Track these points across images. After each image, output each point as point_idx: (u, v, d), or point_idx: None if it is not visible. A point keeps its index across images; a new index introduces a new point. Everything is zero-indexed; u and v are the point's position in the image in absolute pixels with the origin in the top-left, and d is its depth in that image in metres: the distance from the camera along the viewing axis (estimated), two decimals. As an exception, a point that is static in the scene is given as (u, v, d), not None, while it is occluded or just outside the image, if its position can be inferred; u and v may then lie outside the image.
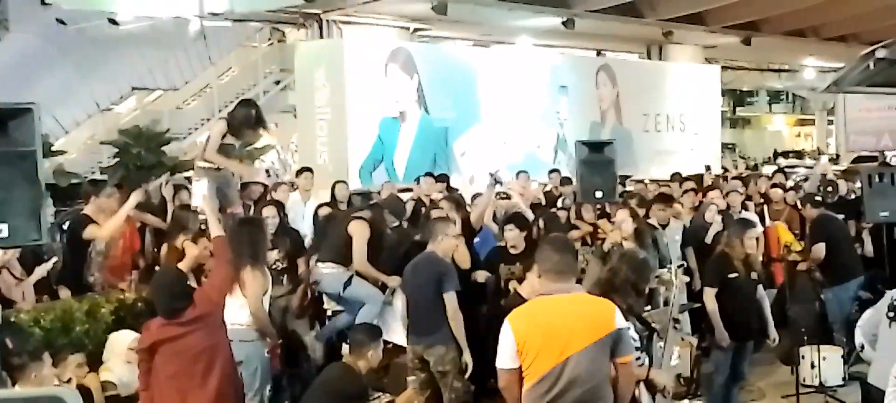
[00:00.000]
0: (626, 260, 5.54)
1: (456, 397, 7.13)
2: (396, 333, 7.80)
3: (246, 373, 6.60)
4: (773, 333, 8.25)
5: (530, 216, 9.30)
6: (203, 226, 7.48)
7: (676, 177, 14.85)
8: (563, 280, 4.82)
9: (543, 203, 12.02)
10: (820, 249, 9.93)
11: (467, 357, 7.11)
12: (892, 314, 6.29)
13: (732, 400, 8.27)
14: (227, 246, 6.49)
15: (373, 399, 7.12)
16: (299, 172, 11.51)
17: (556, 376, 4.73)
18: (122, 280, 8.31)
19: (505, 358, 4.78)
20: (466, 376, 7.19)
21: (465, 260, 8.08)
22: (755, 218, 11.79)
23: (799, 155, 38.20)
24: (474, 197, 11.14)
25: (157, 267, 7.89)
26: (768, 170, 20.63)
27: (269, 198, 10.18)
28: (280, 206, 9.29)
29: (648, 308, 6.69)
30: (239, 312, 6.65)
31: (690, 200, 11.71)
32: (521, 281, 8.24)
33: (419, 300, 7.24)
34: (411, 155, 17.12)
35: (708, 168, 18.06)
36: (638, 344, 5.33)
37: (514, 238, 8.59)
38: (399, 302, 7.88)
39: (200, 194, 6.68)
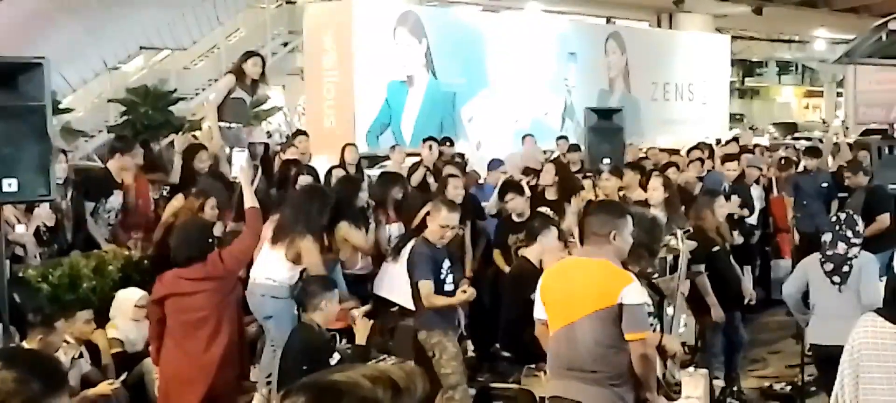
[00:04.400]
0: (636, 221, 5.42)
1: (446, 383, 6.89)
2: (403, 295, 7.72)
3: (275, 329, 6.62)
4: (749, 292, 8.31)
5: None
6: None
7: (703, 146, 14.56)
8: (591, 243, 4.86)
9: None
10: (885, 219, 9.87)
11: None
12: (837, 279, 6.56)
13: (735, 368, 8.30)
14: (260, 219, 6.50)
15: (378, 359, 7.11)
16: (295, 135, 11.43)
17: (564, 338, 4.80)
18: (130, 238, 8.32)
19: (537, 309, 5.09)
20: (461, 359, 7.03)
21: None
22: (761, 191, 11.83)
23: (793, 127, 37.96)
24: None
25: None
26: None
27: (282, 159, 10.10)
28: (314, 171, 9.18)
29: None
30: (275, 267, 6.64)
31: (696, 169, 11.70)
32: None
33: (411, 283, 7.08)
34: (418, 119, 17.07)
35: (718, 141, 17.92)
36: (651, 310, 5.32)
37: (517, 205, 8.60)
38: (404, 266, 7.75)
39: (238, 165, 6.66)
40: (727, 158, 11.97)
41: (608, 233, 4.81)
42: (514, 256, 8.42)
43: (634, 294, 4.71)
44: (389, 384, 1.85)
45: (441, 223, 6.90)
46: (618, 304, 4.67)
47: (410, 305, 7.49)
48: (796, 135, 28.01)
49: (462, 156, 13.16)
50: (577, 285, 4.85)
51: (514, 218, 8.75)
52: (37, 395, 2.18)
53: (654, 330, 5.37)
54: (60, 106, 14.14)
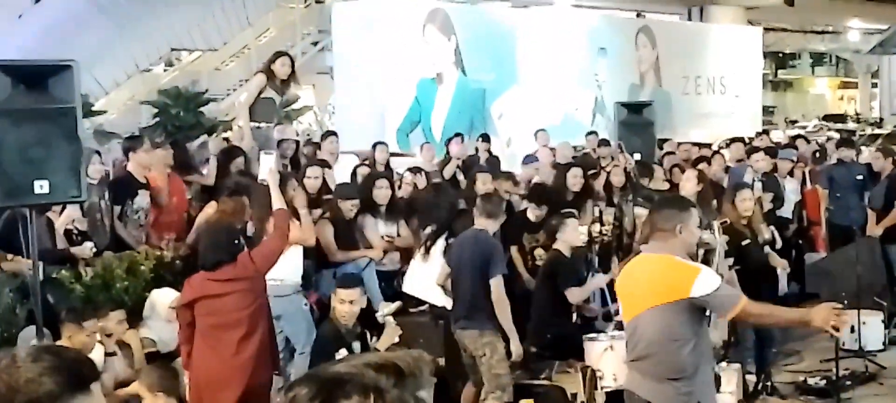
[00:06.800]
0: None
1: (497, 383, 6.85)
2: (432, 292, 7.69)
3: (289, 329, 6.62)
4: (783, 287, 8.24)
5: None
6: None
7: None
8: (657, 239, 4.88)
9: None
10: None
11: (515, 347, 6.86)
12: None
13: (768, 363, 8.23)
14: (288, 220, 6.51)
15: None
16: (324, 136, 11.47)
17: (632, 330, 4.90)
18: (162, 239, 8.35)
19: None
20: (510, 361, 6.95)
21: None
22: (796, 184, 11.72)
23: (841, 118, 37.63)
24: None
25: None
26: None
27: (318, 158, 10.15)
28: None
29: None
30: (280, 265, 6.65)
31: (720, 163, 11.62)
32: (546, 247, 8.27)
33: (461, 279, 6.99)
34: (448, 116, 17.05)
35: (758, 134, 17.76)
36: None
37: (540, 214, 8.64)
38: (436, 265, 7.72)
39: (267, 167, 6.68)
40: (753, 150, 11.87)
41: (674, 228, 4.81)
42: (530, 256, 8.46)
43: (707, 283, 4.67)
44: (394, 370, 1.85)
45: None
46: (688, 298, 4.65)
47: (440, 302, 7.48)
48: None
49: (496, 158, 13.16)
50: (640, 280, 4.91)
51: (532, 219, 8.76)
52: (65, 389, 2.18)
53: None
54: (93, 108, 14.29)
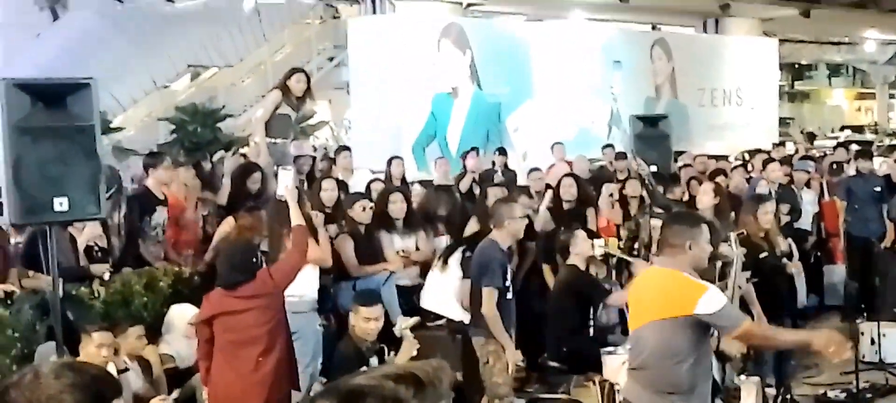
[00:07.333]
0: None
1: (494, 392, 6.92)
2: (450, 307, 7.70)
3: (298, 345, 6.63)
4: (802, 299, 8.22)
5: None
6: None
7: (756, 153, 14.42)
8: (664, 253, 4.93)
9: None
10: None
11: (510, 356, 6.89)
12: None
13: (786, 376, 8.19)
14: (307, 237, 6.52)
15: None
16: (338, 151, 11.46)
17: (635, 340, 4.98)
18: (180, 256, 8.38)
19: None
20: (510, 372, 7.00)
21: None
22: (813, 196, 11.68)
23: (859, 130, 37.44)
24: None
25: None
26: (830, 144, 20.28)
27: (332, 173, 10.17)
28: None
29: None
30: (300, 281, 6.65)
31: (741, 175, 11.59)
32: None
33: (472, 287, 7.11)
34: (464, 131, 17.07)
35: (775, 145, 17.69)
36: None
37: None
38: (454, 278, 7.74)
39: (285, 183, 6.70)
40: (768, 162, 11.83)
41: (684, 244, 4.83)
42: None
43: (712, 302, 4.68)
44: (413, 381, 1.86)
45: (520, 216, 6.93)
46: (692, 315, 4.65)
47: (457, 316, 7.48)
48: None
49: (513, 172, 13.16)
50: (646, 293, 4.96)
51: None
52: None
53: (713, 335, 5.37)
54: (111, 125, 14.35)
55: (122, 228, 8.29)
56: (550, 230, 8.92)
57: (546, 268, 8.72)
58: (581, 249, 7.86)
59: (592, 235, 8.30)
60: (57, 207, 5.80)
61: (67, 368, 2.27)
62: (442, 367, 1.95)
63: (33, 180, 5.80)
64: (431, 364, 1.94)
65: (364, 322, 6.16)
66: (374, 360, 6.10)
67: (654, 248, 7.87)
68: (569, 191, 9.40)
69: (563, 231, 8.25)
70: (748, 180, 11.29)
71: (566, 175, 10.04)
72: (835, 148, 15.17)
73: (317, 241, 7.13)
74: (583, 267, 7.88)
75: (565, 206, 9.35)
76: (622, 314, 8.48)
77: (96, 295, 7.15)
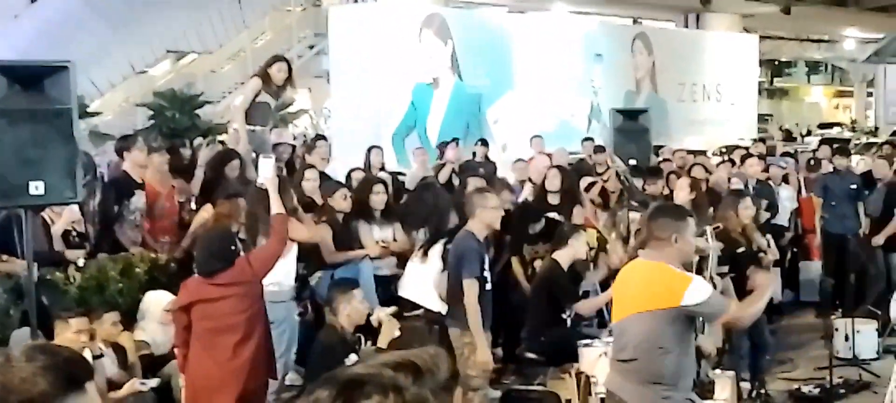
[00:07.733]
0: None
1: (469, 384, 6.78)
2: (427, 297, 7.67)
3: (276, 334, 6.61)
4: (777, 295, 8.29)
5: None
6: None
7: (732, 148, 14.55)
8: (649, 246, 4.94)
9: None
10: None
11: (481, 354, 6.66)
12: None
13: (762, 371, 8.23)
14: (286, 225, 6.49)
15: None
16: (315, 139, 11.36)
17: (620, 332, 4.99)
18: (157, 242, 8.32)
19: None
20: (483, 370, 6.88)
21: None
22: (792, 192, 11.75)
23: (830, 127, 37.68)
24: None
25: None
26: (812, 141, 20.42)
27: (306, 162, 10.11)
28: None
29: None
30: (278, 270, 6.62)
31: (726, 171, 11.62)
32: (543, 258, 8.27)
33: (450, 276, 6.98)
34: (444, 121, 17.07)
35: (754, 141, 17.78)
36: None
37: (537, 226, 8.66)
38: (434, 269, 7.70)
39: (266, 171, 6.66)
40: (746, 157, 11.89)
41: (670, 237, 4.83)
42: (530, 267, 8.45)
43: (698, 292, 4.73)
44: (412, 368, 1.86)
45: (493, 205, 6.87)
46: (679, 307, 4.69)
47: (435, 307, 7.45)
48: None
49: (493, 163, 13.15)
50: (631, 285, 4.97)
51: (530, 231, 8.77)
52: (60, 389, 2.17)
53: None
54: (88, 109, 14.27)
55: (97, 215, 8.22)
56: (520, 222, 8.88)
57: (515, 260, 8.70)
58: (575, 249, 7.84)
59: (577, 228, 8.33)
60: (33, 191, 5.74)
61: (39, 350, 2.24)
62: (440, 354, 1.96)
63: (9, 163, 5.74)
64: (429, 352, 1.94)
65: (360, 305, 6.23)
66: (353, 357, 6.09)
67: (631, 241, 7.91)
68: (553, 182, 9.38)
69: (566, 225, 8.27)
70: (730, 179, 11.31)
71: (552, 166, 9.99)
72: (819, 145, 15.22)
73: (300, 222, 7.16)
74: (565, 266, 7.86)
75: (550, 199, 9.32)
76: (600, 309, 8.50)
77: (71, 280, 7.09)
